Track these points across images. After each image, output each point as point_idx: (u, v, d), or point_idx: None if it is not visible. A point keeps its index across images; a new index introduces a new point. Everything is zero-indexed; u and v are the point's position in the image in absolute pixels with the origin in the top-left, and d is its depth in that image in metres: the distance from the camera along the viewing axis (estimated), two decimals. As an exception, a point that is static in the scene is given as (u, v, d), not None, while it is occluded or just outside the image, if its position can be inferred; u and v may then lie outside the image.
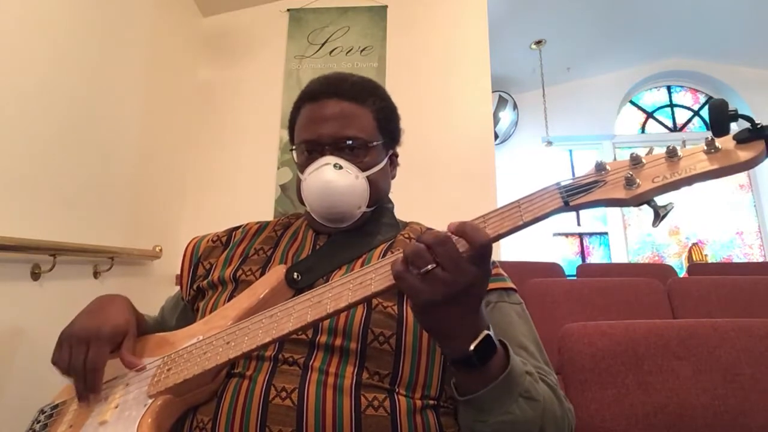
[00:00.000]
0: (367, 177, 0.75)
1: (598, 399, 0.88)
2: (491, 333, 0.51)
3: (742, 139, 0.43)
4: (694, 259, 4.08)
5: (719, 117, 0.44)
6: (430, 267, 0.48)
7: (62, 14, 1.42)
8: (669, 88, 4.97)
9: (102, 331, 0.66)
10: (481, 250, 0.48)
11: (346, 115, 0.75)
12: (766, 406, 0.85)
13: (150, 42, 1.93)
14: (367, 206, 0.76)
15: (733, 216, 4.56)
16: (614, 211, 4.54)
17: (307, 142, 0.75)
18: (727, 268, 3.16)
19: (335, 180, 0.71)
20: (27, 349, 1.21)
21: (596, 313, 1.66)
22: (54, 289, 1.32)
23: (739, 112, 0.44)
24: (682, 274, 3.35)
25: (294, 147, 0.80)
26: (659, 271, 2.51)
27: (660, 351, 0.91)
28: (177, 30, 2.21)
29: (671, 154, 0.45)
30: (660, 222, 0.46)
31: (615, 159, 0.50)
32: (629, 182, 0.46)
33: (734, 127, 0.46)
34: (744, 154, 0.42)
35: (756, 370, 0.88)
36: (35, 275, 1.26)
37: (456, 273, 0.48)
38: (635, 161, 0.47)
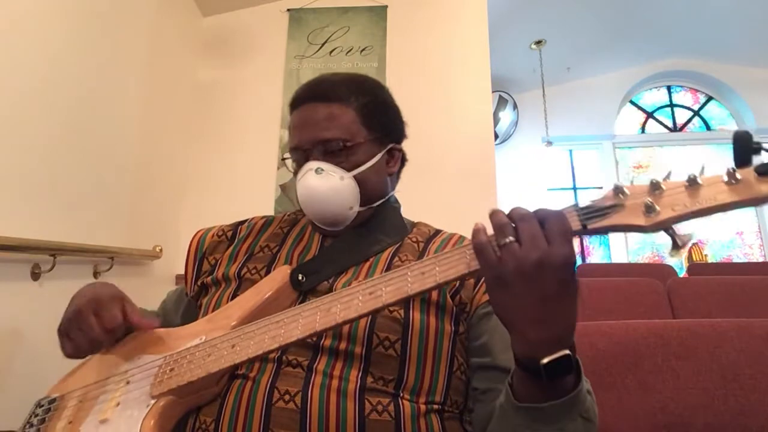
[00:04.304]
0: (355, 176, 0.73)
1: (598, 399, 0.87)
2: (570, 353, 0.47)
3: (763, 171, 0.42)
4: (694, 259, 4.08)
5: (743, 149, 0.44)
6: (507, 240, 0.47)
7: (62, 14, 1.42)
8: (669, 88, 4.98)
9: (102, 299, 0.66)
10: (554, 226, 0.46)
11: (324, 117, 0.74)
12: (766, 406, 0.85)
13: (150, 42, 1.93)
14: (361, 205, 0.74)
15: (733, 216, 4.55)
16: (614, 211, 4.54)
17: (292, 150, 0.76)
18: (727, 268, 3.16)
19: (317, 185, 0.71)
20: (27, 349, 1.21)
21: (596, 313, 1.66)
22: (54, 289, 1.32)
23: (763, 146, 0.44)
24: (682, 274, 3.35)
25: (286, 157, 0.80)
26: (659, 271, 2.51)
27: (660, 351, 0.91)
28: (177, 30, 2.21)
29: (691, 182, 0.45)
30: (678, 252, 0.46)
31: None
32: (648, 209, 0.45)
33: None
34: (765, 188, 0.42)
35: (756, 370, 0.88)
36: (35, 275, 1.26)
37: (529, 246, 0.46)
38: (654, 187, 0.46)
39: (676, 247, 0.45)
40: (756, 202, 0.42)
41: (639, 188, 0.47)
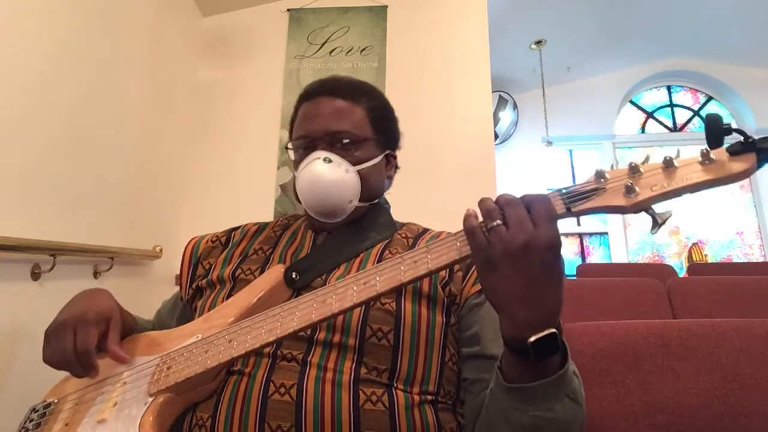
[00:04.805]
0: (359, 171, 0.76)
1: (598, 399, 0.88)
2: (557, 332, 0.49)
3: (734, 151, 0.45)
4: (694, 259, 4.09)
5: (714, 130, 0.46)
6: (495, 223, 0.48)
7: (62, 14, 1.42)
8: (669, 88, 4.98)
9: (86, 316, 0.66)
10: (539, 209, 0.48)
11: (338, 111, 0.77)
12: (766, 406, 0.85)
13: (150, 42, 1.93)
14: (360, 201, 0.77)
15: (733, 216, 4.56)
16: (614, 211, 4.55)
17: (301, 138, 0.78)
18: (727, 268, 3.16)
19: (324, 173, 0.73)
20: (27, 349, 1.21)
21: (596, 313, 1.66)
22: (54, 289, 1.32)
23: (733, 126, 0.46)
24: (682, 274, 3.35)
25: (290, 146, 0.81)
26: (659, 271, 2.51)
27: (660, 351, 0.91)
28: (177, 30, 2.21)
29: (668, 164, 0.47)
30: (658, 229, 0.48)
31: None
32: (629, 190, 0.47)
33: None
34: (737, 166, 0.45)
35: (756, 370, 0.88)
36: (35, 275, 1.26)
37: (516, 229, 0.47)
38: (633, 170, 0.48)
39: (656, 224, 0.48)
40: (729, 179, 0.45)
41: (619, 172, 0.50)
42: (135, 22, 1.82)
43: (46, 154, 1.35)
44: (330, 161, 0.73)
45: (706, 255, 4.26)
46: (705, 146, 0.46)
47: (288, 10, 2.48)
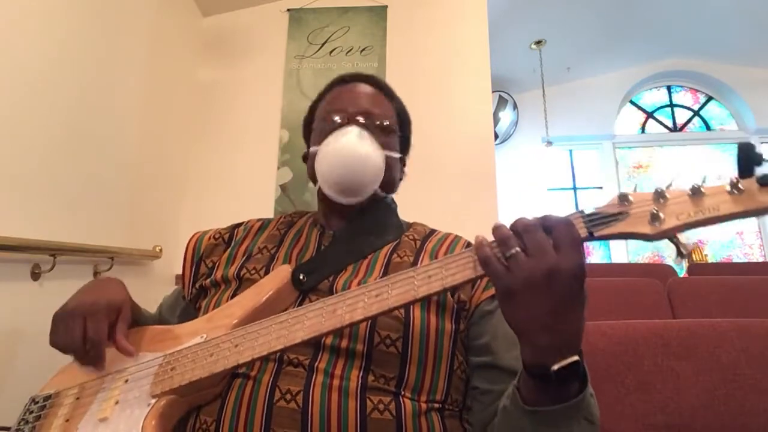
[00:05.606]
0: (386, 157, 0.77)
1: (598, 399, 0.88)
2: (580, 359, 0.47)
3: (765, 182, 0.43)
4: (694, 259, 4.08)
5: (746, 159, 0.44)
6: (513, 251, 0.47)
7: (62, 14, 1.42)
8: (669, 88, 4.97)
9: (98, 306, 0.66)
10: (562, 234, 0.46)
11: (374, 96, 0.81)
12: (766, 406, 0.85)
13: (150, 42, 1.93)
14: (380, 187, 0.77)
15: (733, 216, 4.55)
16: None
17: (336, 112, 0.78)
18: (727, 268, 3.16)
19: (357, 145, 0.74)
20: (27, 349, 1.21)
21: (596, 313, 1.66)
22: (54, 289, 1.32)
23: (766, 157, 0.45)
24: (682, 274, 3.35)
25: (314, 121, 0.83)
26: (659, 271, 2.51)
27: (660, 351, 0.91)
28: (177, 30, 2.21)
29: (695, 191, 0.45)
30: (683, 260, 0.47)
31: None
32: (654, 218, 0.46)
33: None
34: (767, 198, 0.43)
35: (756, 370, 0.88)
36: (35, 275, 1.27)
37: (538, 257, 0.46)
38: (659, 195, 0.47)
39: (680, 254, 0.46)
40: (758, 212, 0.43)
41: (643, 196, 0.48)
42: (135, 22, 1.82)
43: (46, 154, 1.35)
44: (365, 137, 0.75)
45: (706, 255, 4.27)
46: (735, 175, 0.44)
47: (288, 10, 2.48)
